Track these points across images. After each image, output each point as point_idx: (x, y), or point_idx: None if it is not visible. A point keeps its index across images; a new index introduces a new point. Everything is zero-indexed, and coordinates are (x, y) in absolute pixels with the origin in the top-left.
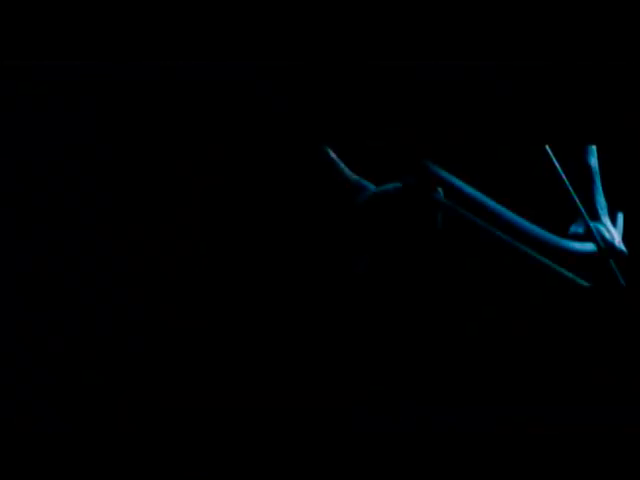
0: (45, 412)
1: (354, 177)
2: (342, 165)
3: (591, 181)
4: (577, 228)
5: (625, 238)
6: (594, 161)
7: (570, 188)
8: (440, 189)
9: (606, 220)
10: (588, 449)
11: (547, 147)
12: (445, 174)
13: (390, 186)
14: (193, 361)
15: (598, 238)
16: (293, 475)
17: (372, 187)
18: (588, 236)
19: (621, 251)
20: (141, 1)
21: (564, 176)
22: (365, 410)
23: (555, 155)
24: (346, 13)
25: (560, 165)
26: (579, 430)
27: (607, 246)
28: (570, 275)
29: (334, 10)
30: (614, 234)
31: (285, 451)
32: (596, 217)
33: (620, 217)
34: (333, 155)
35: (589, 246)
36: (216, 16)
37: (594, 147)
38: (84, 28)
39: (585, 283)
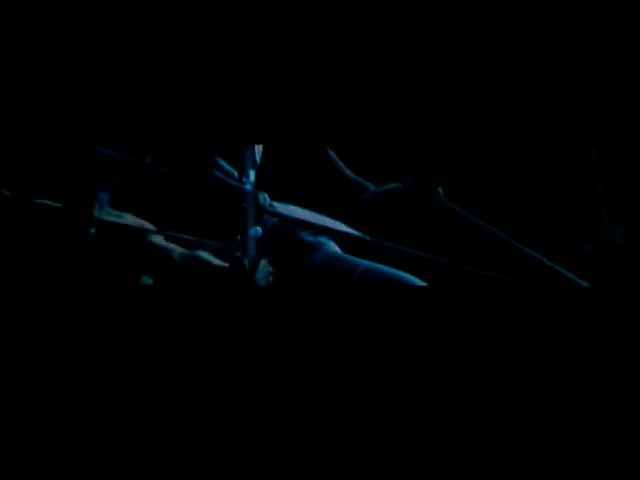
0: (45, 407)
1: (353, 177)
2: (342, 165)
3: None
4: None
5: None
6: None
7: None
8: (440, 189)
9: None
10: (588, 449)
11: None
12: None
13: (390, 186)
14: (193, 361)
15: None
16: (293, 475)
17: (371, 187)
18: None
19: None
20: (141, 1)
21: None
22: (365, 405)
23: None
24: (346, 13)
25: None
26: (579, 430)
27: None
28: (571, 275)
29: (333, 10)
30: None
31: (285, 451)
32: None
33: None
34: (333, 155)
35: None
36: (216, 16)
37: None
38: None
39: (585, 283)
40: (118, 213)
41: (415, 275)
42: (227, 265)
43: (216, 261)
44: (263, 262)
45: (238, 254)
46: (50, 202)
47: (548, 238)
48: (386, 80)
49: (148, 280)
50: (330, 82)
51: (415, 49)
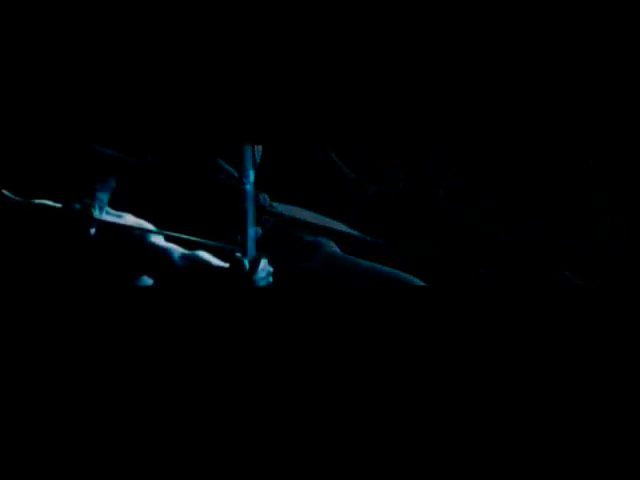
0: (45, 406)
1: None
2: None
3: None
4: None
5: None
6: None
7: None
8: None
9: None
10: (587, 448)
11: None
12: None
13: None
14: (193, 361)
15: None
16: (293, 475)
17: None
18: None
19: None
20: (141, 1)
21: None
22: (364, 405)
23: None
24: (346, 14)
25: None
26: (577, 429)
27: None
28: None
29: (333, 11)
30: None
31: (285, 450)
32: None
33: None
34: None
35: None
36: (216, 16)
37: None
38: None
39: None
40: (118, 213)
41: (415, 275)
42: (227, 265)
43: (216, 261)
44: (263, 262)
45: (238, 254)
46: (50, 202)
47: (547, 237)
48: (386, 80)
49: (148, 280)
50: (330, 82)
51: (415, 49)
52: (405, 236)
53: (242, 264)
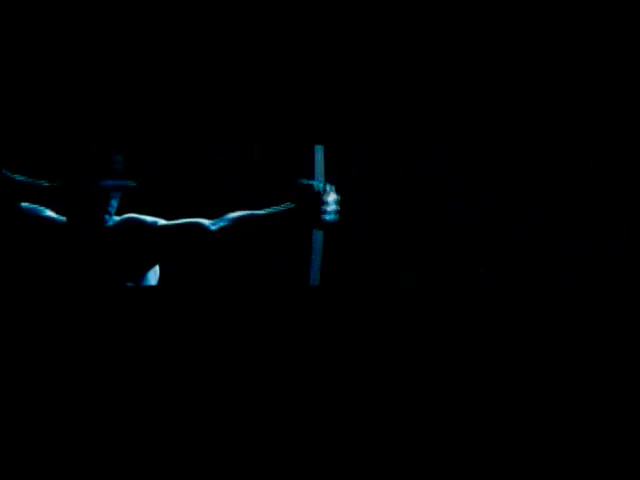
0: (45, 413)
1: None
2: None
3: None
4: None
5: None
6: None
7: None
8: None
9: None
10: (587, 447)
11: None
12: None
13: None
14: (192, 361)
15: None
16: (293, 475)
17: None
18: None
19: None
20: (141, 2)
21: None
22: (364, 403)
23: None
24: (347, 14)
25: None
26: (578, 427)
27: None
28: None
29: (334, 11)
30: None
31: (284, 451)
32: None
33: None
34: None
35: None
36: (215, 15)
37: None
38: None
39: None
40: (123, 216)
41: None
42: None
43: (255, 212)
44: (332, 195)
45: (304, 181)
46: (55, 215)
47: (547, 237)
48: (386, 81)
49: (150, 280)
50: (330, 83)
51: (415, 49)
52: (405, 236)
53: (311, 187)
